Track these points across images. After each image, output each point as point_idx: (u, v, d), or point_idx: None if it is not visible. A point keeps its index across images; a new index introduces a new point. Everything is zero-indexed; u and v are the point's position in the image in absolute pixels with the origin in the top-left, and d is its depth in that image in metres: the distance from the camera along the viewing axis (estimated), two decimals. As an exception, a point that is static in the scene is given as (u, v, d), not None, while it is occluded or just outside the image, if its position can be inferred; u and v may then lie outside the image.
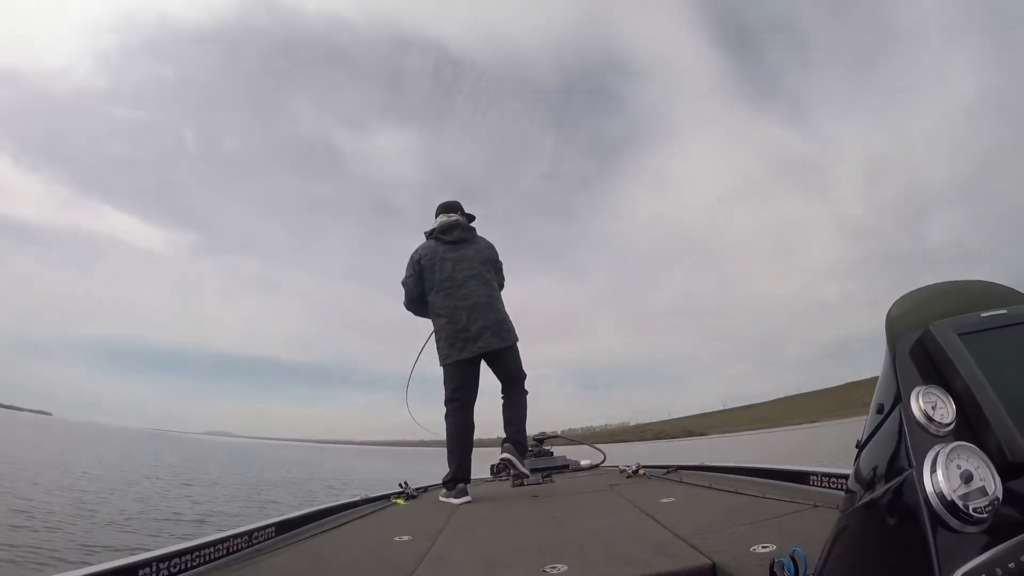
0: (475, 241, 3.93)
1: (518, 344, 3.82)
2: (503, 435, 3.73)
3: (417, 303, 3.86)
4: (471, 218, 4.09)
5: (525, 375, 3.83)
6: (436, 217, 3.98)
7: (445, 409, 3.64)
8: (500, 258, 4.05)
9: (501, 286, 4.00)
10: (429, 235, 3.94)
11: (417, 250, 3.88)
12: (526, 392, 3.82)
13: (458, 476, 3.40)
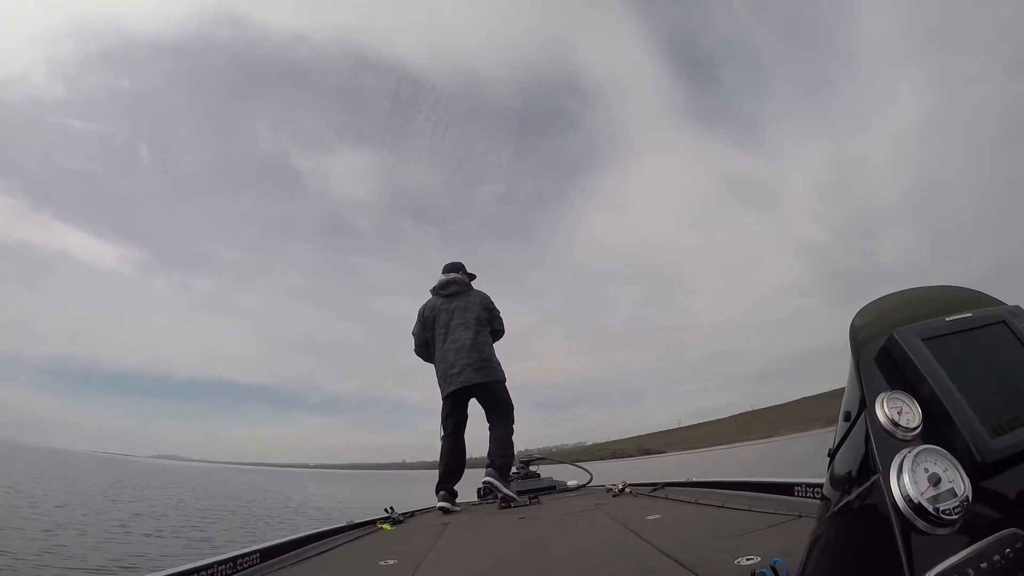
0: (468, 294, 4.72)
1: (506, 383, 4.57)
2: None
3: (423, 348, 4.72)
4: (472, 276, 4.95)
5: (511, 406, 4.55)
6: (440, 276, 4.82)
7: (441, 432, 4.51)
8: (496, 306, 4.80)
9: (499, 332, 4.78)
10: (432, 291, 4.77)
11: (423, 305, 4.77)
12: (512, 421, 4.51)
13: (441, 485, 4.27)
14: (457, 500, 4.33)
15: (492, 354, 4.58)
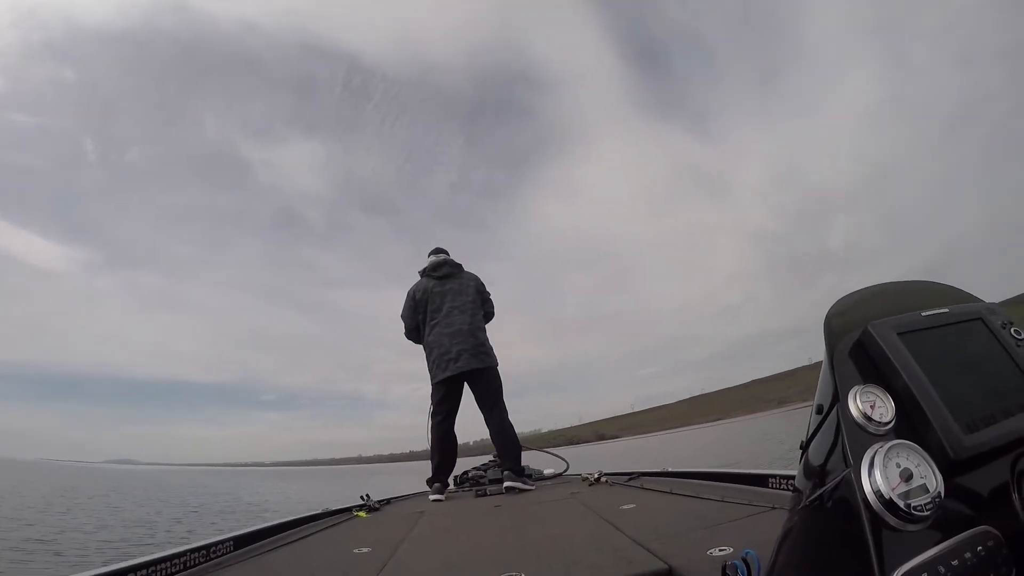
0: (461, 276, 4.61)
1: (498, 368, 4.46)
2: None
3: (414, 333, 4.55)
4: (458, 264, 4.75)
5: (501, 391, 4.40)
6: (428, 258, 4.67)
7: (431, 422, 4.36)
8: (488, 289, 4.71)
9: (490, 314, 4.68)
10: (422, 273, 4.63)
11: (412, 287, 4.59)
12: (505, 409, 4.35)
13: (435, 476, 4.16)
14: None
15: (487, 339, 4.48)
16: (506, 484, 4.00)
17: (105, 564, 1.65)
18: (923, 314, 0.86)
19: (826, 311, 0.90)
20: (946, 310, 0.87)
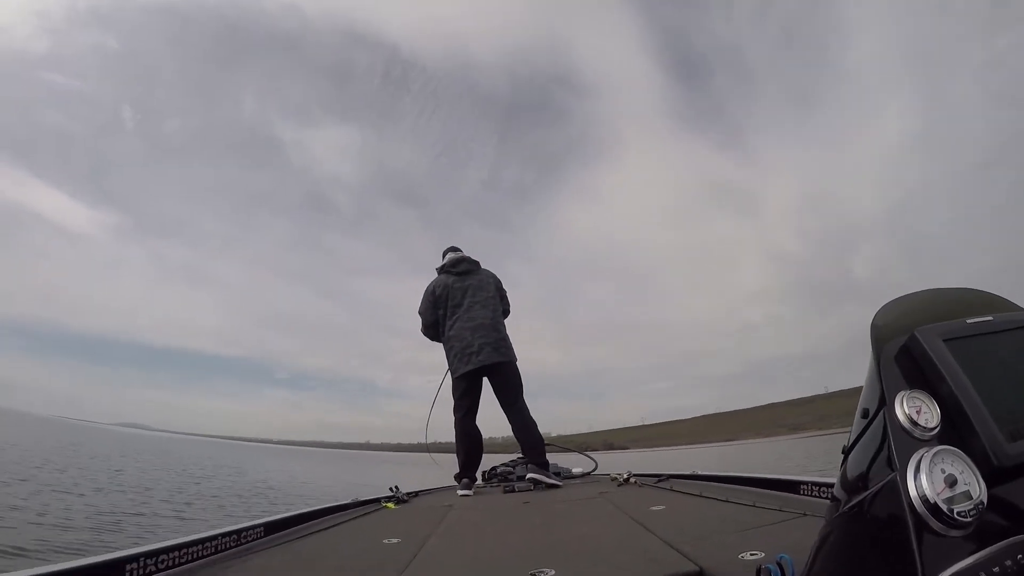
0: (479, 273, 4.66)
1: (517, 363, 4.47)
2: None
3: (432, 328, 4.58)
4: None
5: (522, 386, 4.42)
6: (444, 256, 4.74)
7: (454, 417, 4.40)
8: (504, 286, 4.76)
9: (507, 311, 4.71)
10: (440, 270, 4.66)
11: (431, 283, 4.61)
12: (524, 403, 4.38)
13: (462, 472, 4.19)
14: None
15: (507, 334, 4.51)
16: (529, 475, 4.05)
17: (136, 545, 1.66)
18: (968, 321, 0.85)
19: (871, 321, 0.90)
20: (991, 318, 0.86)
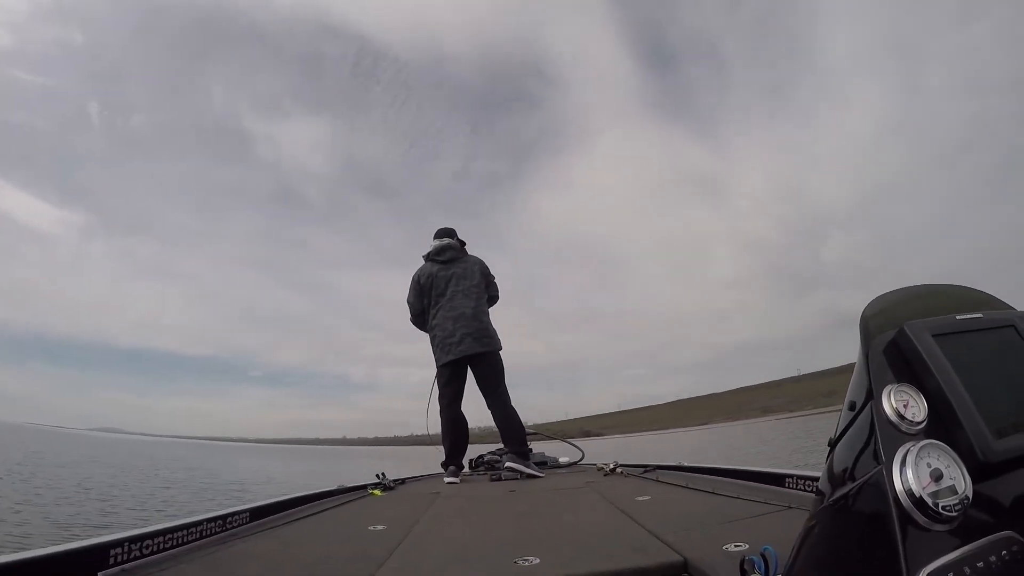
0: (465, 260, 4.60)
1: (501, 353, 4.46)
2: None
3: (420, 318, 4.59)
4: (463, 243, 4.72)
5: (503, 374, 4.42)
6: (432, 241, 4.65)
7: (438, 406, 4.43)
8: (492, 272, 4.69)
9: (494, 298, 4.69)
10: (426, 258, 4.61)
11: (417, 272, 4.61)
12: (507, 393, 4.39)
13: (449, 460, 4.23)
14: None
15: (490, 323, 4.50)
16: (507, 464, 4.06)
17: (124, 530, 1.66)
18: (957, 318, 0.86)
19: (860, 313, 0.90)
20: (980, 315, 0.87)
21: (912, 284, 0.96)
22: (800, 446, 19.66)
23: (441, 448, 4.35)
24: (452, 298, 4.40)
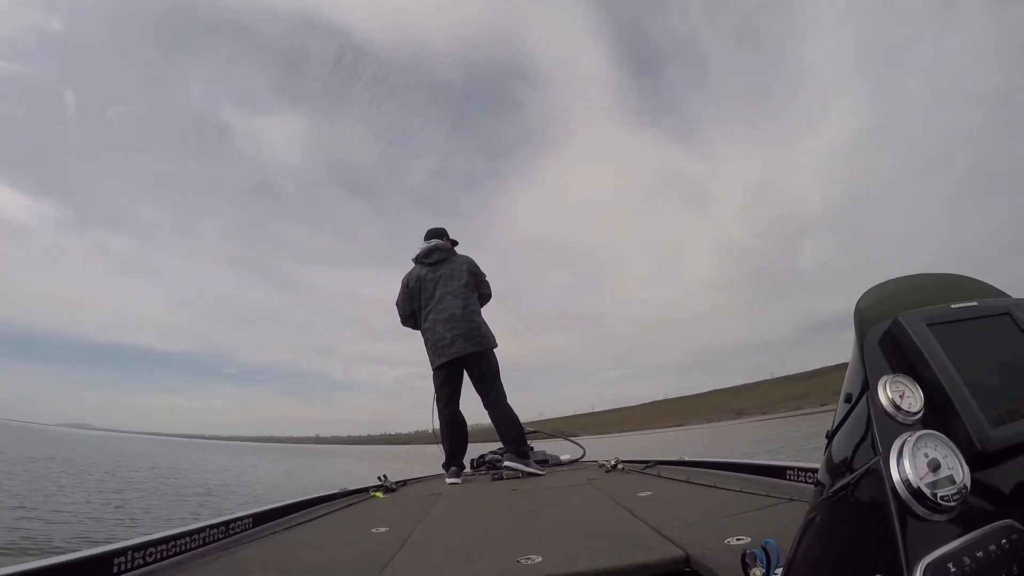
0: (453, 261, 4.56)
1: (495, 351, 4.47)
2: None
3: (410, 320, 4.59)
4: (454, 243, 4.74)
5: (498, 372, 4.44)
6: (423, 242, 4.64)
7: (435, 407, 4.46)
8: (482, 270, 4.64)
9: (486, 296, 4.65)
10: (415, 260, 4.60)
11: (406, 275, 4.60)
12: (503, 391, 4.41)
13: (450, 460, 4.24)
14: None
15: (482, 321, 4.49)
16: (505, 463, 4.09)
17: (131, 538, 1.67)
18: (952, 306, 0.85)
19: (854, 305, 0.89)
20: (975, 304, 0.86)
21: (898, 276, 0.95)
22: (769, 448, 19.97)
23: (441, 448, 4.36)
24: (441, 300, 4.39)
